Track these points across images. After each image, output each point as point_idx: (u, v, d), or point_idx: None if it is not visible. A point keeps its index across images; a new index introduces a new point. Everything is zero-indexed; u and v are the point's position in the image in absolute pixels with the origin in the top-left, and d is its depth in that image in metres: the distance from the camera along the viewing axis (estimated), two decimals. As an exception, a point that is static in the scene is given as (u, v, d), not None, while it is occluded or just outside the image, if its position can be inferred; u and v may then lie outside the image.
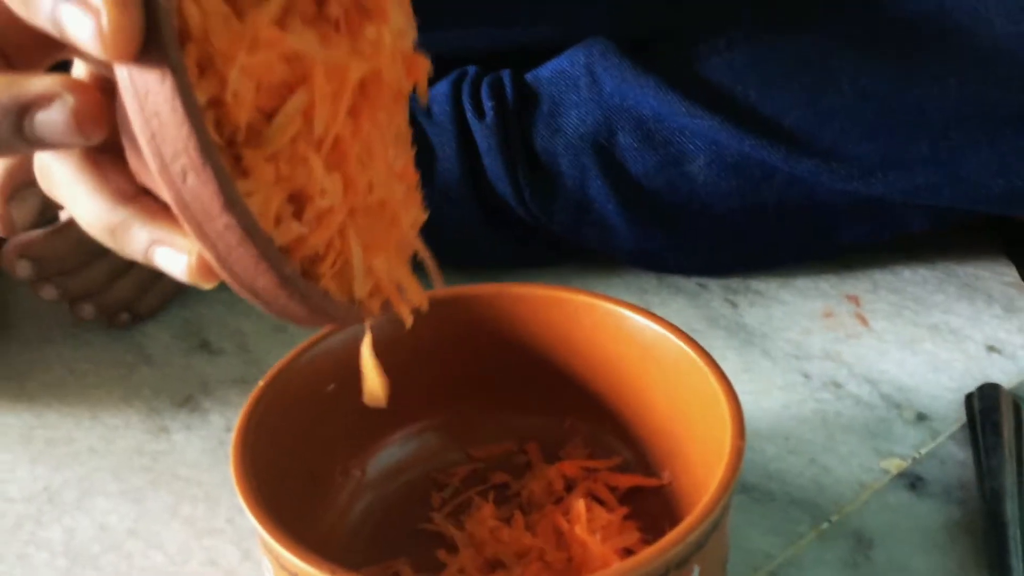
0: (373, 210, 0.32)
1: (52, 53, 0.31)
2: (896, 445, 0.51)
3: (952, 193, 0.55)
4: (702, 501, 0.35)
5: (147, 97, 0.25)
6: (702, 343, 0.54)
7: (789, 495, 0.49)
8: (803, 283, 0.64)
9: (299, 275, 0.29)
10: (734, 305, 0.63)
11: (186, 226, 0.27)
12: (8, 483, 0.53)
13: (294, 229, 0.28)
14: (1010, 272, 0.64)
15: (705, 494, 0.35)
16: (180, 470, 0.53)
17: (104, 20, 0.25)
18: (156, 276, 0.65)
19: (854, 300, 0.62)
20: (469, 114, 0.62)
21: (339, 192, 0.30)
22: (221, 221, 0.26)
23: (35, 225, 0.60)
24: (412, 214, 0.34)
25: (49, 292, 0.62)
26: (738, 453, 0.37)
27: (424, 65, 0.33)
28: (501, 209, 0.64)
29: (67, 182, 0.30)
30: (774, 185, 0.59)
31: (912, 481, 0.49)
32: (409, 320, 0.34)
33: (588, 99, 0.61)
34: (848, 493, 0.48)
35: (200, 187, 0.26)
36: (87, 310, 0.63)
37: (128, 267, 0.64)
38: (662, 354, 0.44)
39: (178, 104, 0.25)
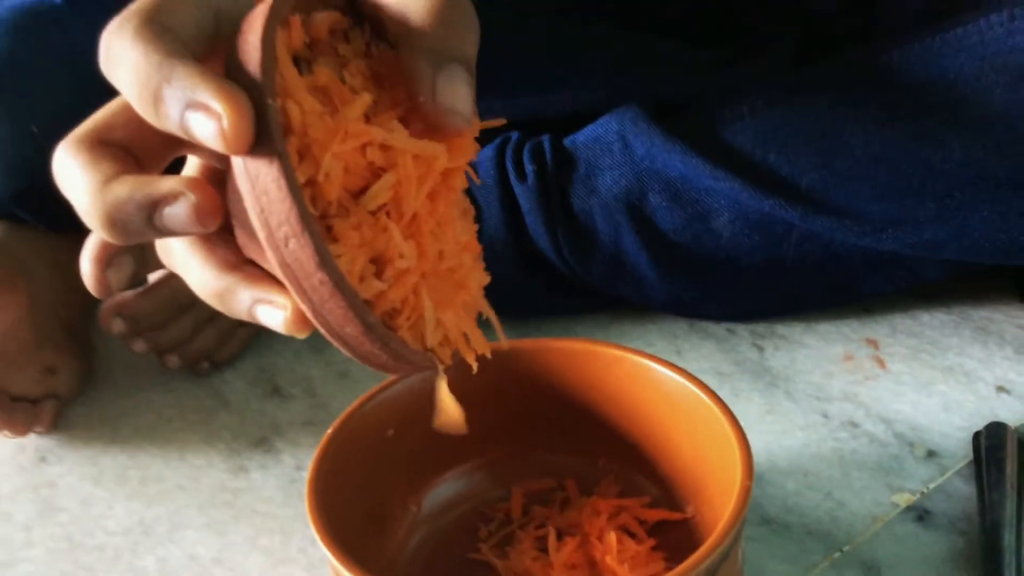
0: (443, 275, 0.38)
1: (175, 151, 0.37)
2: (907, 480, 0.56)
3: (958, 247, 0.59)
4: (713, 534, 0.40)
5: (258, 179, 0.32)
6: (729, 386, 0.60)
7: (805, 527, 0.53)
8: (826, 328, 0.69)
9: (381, 324, 0.35)
10: (760, 349, 0.68)
11: (287, 283, 0.33)
12: (107, 518, 0.60)
13: (375, 286, 0.34)
14: (1023, 315, 0.68)
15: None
16: (258, 505, 0.59)
17: (225, 123, 0.31)
18: (233, 328, 0.72)
19: (874, 344, 0.67)
20: (512, 177, 0.68)
21: (414, 257, 0.36)
22: (316, 277, 0.32)
23: (127, 287, 0.68)
24: (478, 278, 0.40)
25: (140, 345, 0.69)
26: (745, 491, 0.42)
27: (477, 148, 0.39)
28: (542, 263, 0.69)
29: (182, 257, 0.36)
30: (793, 240, 0.64)
31: (920, 514, 0.53)
32: (475, 366, 0.39)
33: (621, 162, 0.67)
34: (860, 525, 0.53)
35: (299, 250, 0.32)
36: (173, 360, 0.70)
37: (208, 321, 0.71)
38: (683, 401, 0.49)
39: (283, 183, 0.31)
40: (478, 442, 0.54)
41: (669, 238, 0.67)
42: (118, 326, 0.68)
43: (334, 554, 0.42)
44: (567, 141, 0.70)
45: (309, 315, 0.34)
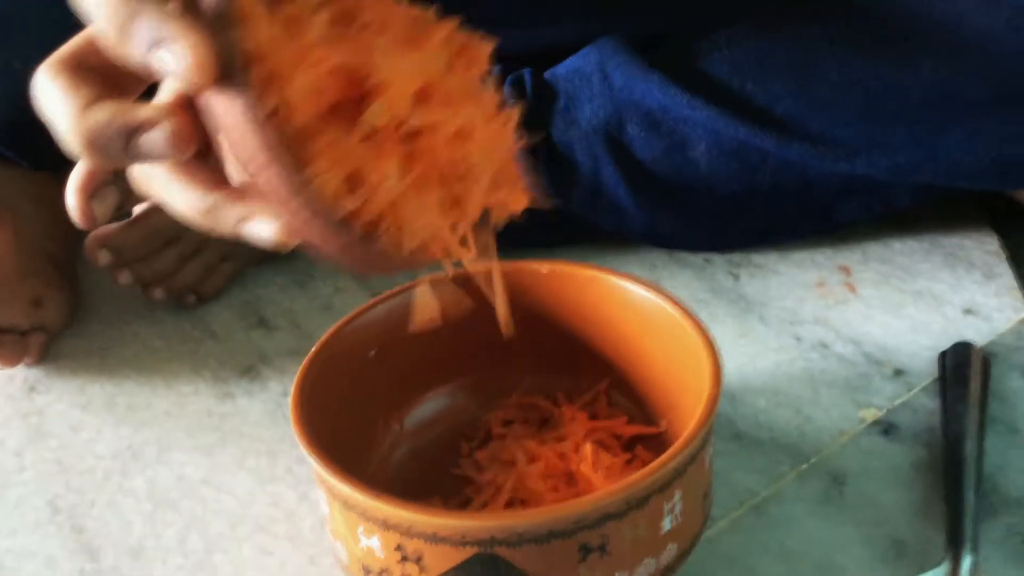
0: (445, 176, 0.38)
1: (151, 77, 0.38)
2: (874, 397, 0.58)
3: (931, 171, 0.61)
4: (682, 436, 0.42)
5: (226, 114, 0.33)
6: (707, 311, 0.61)
7: (775, 441, 0.55)
8: (799, 256, 0.70)
9: (359, 240, 0.35)
10: (736, 277, 0.69)
11: (271, 202, 0.34)
12: (96, 442, 0.62)
13: (350, 203, 0.35)
14: (992, 241, 0.70)
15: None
16: (244, 429, 0.61)
17: (188, 59, 0.32)
18: (218, 262, 0.73)
19: (845, 270, 0.68)
20: None
21: (394, 172, 0.36)
22: (293, 204, 0.34)
23: (112, 219, 0.68)
24: (495, 166, 0.39)
25: (125, 277, 0.70)
26: (713, 399, 0.43)
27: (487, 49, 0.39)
28: (523, 195, 0.70)
29: (163, 182, 0.37)
30: (768, 169, 0.65)
31: (886, 427, 0.55)
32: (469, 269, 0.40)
33: (600, 94, 0.68)
34: (827, 439, 0.55)
35: (272, 179, 0.33)
36: (158, 293, 0.71)
37: (194, 254, 0.72)
38: (656, 318, 0.51)
39: (248, 115, 0.32)
40: (458, 363, 0.56)
41: (647, 168, 0.68)
42: (104, 258, 0.69)
43: (319, 460, 0.43)
44: (547, 74, 0.71)
45: (294, 231, 0.35)
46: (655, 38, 0.70)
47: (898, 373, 0.59)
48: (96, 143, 0.35)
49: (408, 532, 0.40)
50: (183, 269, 0.72)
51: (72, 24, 0.83)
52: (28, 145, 0.74)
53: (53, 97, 0.36)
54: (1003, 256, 0.68)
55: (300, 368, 0.50)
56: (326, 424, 0.48)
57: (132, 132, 0.34)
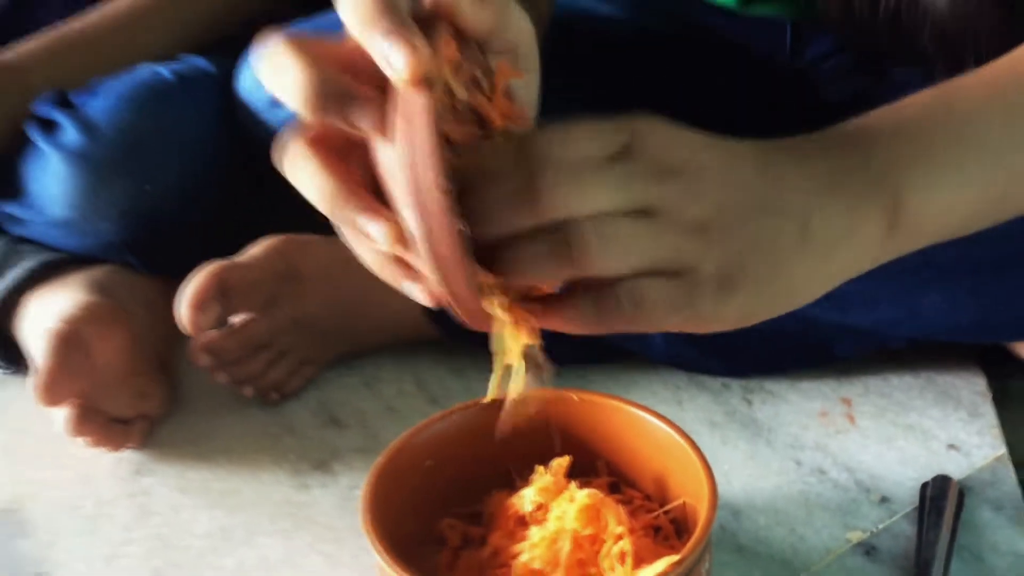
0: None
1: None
2: (861, 521, 0.66)
3: (911, 326, 0.70)
4: (683, 550, 0.51)
5: (426, 215, 0.39)
6: (720, 434, 0.70)
7: (771, 556, 0.64)
8: (807, 385, 0.80)
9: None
10: (749, 403, 0.79)
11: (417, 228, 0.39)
12: (193, 523, 0.72)
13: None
14: (980, 381, 0.78)
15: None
16: (318, 517, 0.71)
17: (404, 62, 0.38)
18: (299, 365, 0.84)
19: (847, 402, 0.78)
20: None
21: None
22: (463, 291, 0.40)
23: (213, 327, 0.80)
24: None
25: (222, 377, 0.82)
26: (708, 524, 0.53)
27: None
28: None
29: (312, 167, 0.41)
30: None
31: (867, 549, 0.64)
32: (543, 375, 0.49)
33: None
34: (816, 556, 0.64)
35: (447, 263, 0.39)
36: (248, 390, 0.83)
37: (278, 358, 0.83)
38: (669, 447, 0.60)
39: (449, 222, 0.38)
40: (501, 475, 0.65)
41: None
42: (204, 360, 0.81)
43: (383, 555, 0.53)
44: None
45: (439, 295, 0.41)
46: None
47: (884, 500, 0.68)
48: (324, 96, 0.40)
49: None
50: (269, 371, 0.83)
51: (196, 155, 1.00)
52: (149, 255, 0.87)
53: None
54: (988, 397, 0.76)
55: (370, 472, 0.60)
56: (389, 522, 0.58)
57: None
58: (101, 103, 0.85)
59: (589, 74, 0.88)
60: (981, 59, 0.72)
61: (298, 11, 0.93)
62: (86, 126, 0.84)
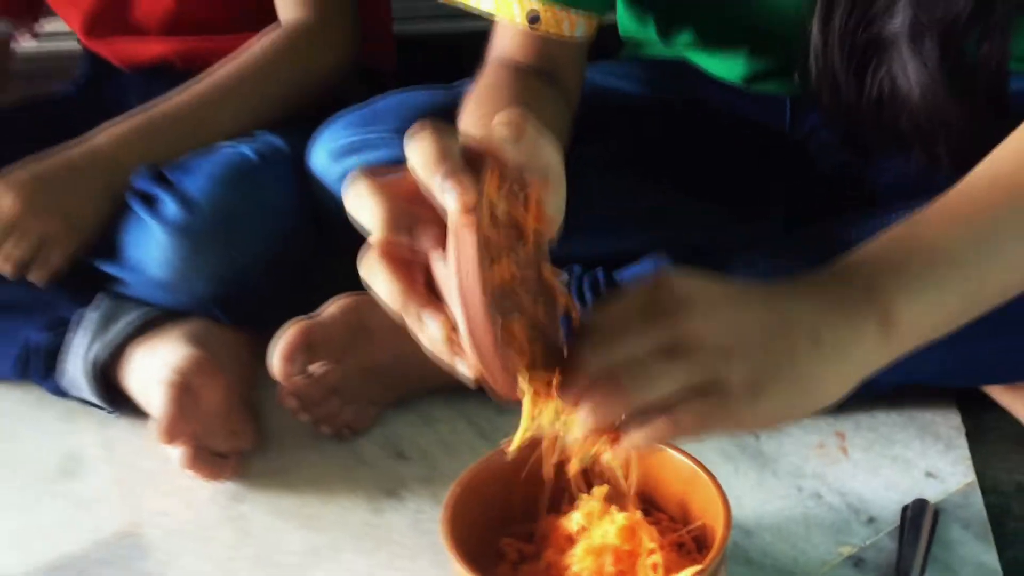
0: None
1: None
2: (851, 537, 0.79)
3: (899, 375, 0.82)
4: (704, 562, 0.64)
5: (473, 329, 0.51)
6: (732, 464, 0.83)
7: (776, 568, 0.77)
8: (807, 421, 0.92)
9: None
10: (757, 437, 0.91)
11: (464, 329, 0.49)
12: (286, 543, 0.86)
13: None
14: (955, 418, 0.91)
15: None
16: (393, 537, 0.85)
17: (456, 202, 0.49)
18: (367, 405, 0.98)
19: (841, 436, 0.90)
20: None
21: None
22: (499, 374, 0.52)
23: (299, 374, 0.94)
24: None
25: (303, 417, 0.95)
26: (723, 540, 0.66)
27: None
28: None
29: (386, 277, 0.51)
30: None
31: (856, 561, 0.77)
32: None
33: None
34: (813, 568, 0.76)
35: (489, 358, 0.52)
36: (325, 429, 0.96)
37: (350, 400, 0.97)
38: (691, 478, 0.73)
39: (496, 346, 0.50)
40: (550, 501, 0.78)
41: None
42: (291, 403, 0.94)
43: (462, 568, 0.66)
44: (617, 274, 0.95)
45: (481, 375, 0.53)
46: (696, 250, 0.93)
47: (871, 520, 0.81)
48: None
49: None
50: (343, 411, 0.96)
51: (276, 226, 1.15)
52: (235, 310, 1.01)
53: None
54: (962, 431, 0.89)
55: (446, 498, 0.73)
56: (460, 541, 0.71)
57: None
58: (196, 181, 0.99)
59: (615, 137, 1.02)
60: (952, 145, 0.85)
61: (360, 91, 1.07)
62: (184, 202, 0.98)
